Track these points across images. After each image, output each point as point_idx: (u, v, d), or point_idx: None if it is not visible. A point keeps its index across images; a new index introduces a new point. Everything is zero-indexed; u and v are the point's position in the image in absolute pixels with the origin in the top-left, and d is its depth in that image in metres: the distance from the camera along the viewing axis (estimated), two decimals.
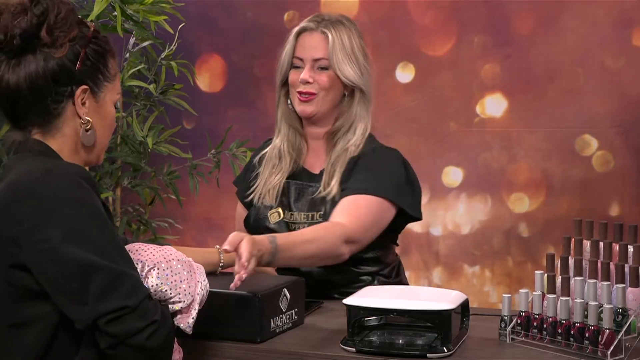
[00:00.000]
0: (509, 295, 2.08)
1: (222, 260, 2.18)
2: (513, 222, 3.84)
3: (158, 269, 1.82)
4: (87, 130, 1.84)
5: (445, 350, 1.94)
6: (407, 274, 2.77)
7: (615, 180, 3.71)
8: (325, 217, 2.49)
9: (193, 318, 1.85)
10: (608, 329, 1.89)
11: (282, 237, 2.22)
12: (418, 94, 3.93)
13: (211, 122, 4.07)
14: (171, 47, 3.61)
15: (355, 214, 2.41)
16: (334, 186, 2.53)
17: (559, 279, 2.04)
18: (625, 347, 1.90)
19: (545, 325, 1.98)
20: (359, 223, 2.40)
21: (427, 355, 1.94)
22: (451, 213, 3.90)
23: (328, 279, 2.52)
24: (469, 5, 3.85)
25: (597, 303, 1.92)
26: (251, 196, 2.64)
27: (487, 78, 3.84)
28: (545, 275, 2.04)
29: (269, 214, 2.60)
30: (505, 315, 2.06)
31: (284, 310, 2.13)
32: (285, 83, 2.62)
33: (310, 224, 2.50)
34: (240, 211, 2.71)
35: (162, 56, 3.63)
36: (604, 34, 3.70)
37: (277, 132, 2.66)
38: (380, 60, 3.89)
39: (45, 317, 1.74)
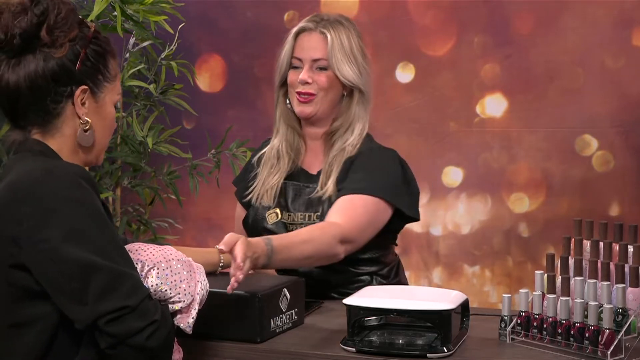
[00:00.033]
0: (509, 295, 2.08)
1: (222, 260, 2.18)
2: (513, 222, 3.84)
3: (158, 268, 1.82)
4: (85, 131, 1.83)
5: (445, 350, 1.95)
6: (407, 274, 2.77)
7: (615, 180, 3.71)
8: (323, 218, 2.49)
9: (193, 318, 1.85)
10: (608, 329, 1.89)
11: (278, 239, 2.21)
12: (418, 94, 3.93)
13: (211, 122, 4.07)
14: (171, 47, 3.61)
15: (351, 213, 2.41)
16: (331, 186, 2.53)
17: (559, 279, 2.04)
18: (625, 347, 1.90)
19: (545, 325, 1.98)
20: (354, 223, 2.39)
21: (427, 355, 1.94)
22: (451, 213, 3.90)
23: (327, 279, 2.52)
24: (469, 5, 3.85)
25: (597, 303, 1.92)
26: (249, 196, 2.64)
27: (487, 78, 3.84)
28: (545, 275, 2.04)
29: (266, 215, 2.60)
30: (505, 315, 2.06)
31: (284, 310, 2.13)
32: (284, 83, 2.61)
33: (308, 225, 2.49)
34: (239, 211, 2.72)
35: (162, 56, 3.63)
36: (604, 34, 3.70)
37: (276, 132, 2.66)
38: (380, 60, 3.90)
39: (45, 317, 1.74)
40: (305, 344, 2.06)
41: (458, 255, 3.90)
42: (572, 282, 2.00)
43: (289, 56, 2.59)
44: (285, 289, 2.14)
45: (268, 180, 2.62)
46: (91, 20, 3.01)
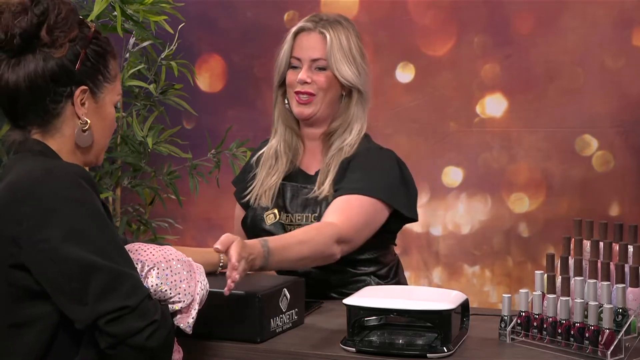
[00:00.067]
0: (509, 295, 2.08)
1: (222, 260, 2.17)
2: (513, 222, 3.84)
3: (158, 268, 1.82)
4: (83, 131, 1.83)
5: (445, 350, 1.95)
6: (407, 274, 2.77)
7: (615, 180, 3.72)
8: (320, 218, 2.49)
9: (193, 318, 1.85)
10: (608, 329, 1.89)
11: (274, 240, 2.20)
12: (418, 94, 3.93)
13: (211, 122, 4.07)
14: (171, 47, 3.61)
15: (347, 214, 2.40)
16: (327, 187, 2.53)
17: (559, 279, 2.04)
18: (625, 347, 1.90)
19: (545, 325, 1.98)
20: (350, 223, 2.39)
21: (427, 355, 1.94)
22: (451, 213, 3.90)
23: (325, 280, 2.52)
24: (469, 5, 3.85)
25: (597, 303, 1.92)
26: (248, 197, 2.64)
27: (487, 78, 3.84)
28: (545, 275, 2.04)
29: (265, 216, 2.59)
30: (505, 315, 2.06)
31: (284, 310, 2.13)
32: (282, 83, 2.61)
33: (305, 225, 2.49)
34: (239, 212, 2.71)
35: (162, 56, 3.63)
36: (604, 34, 3.70)
37: (274, 132, 2.65)
38: (380, 60, 3.90)
39: (45, 317, 1.74)
40: (305, 344, 2.06)
41: (458, 255, 3.90)
42: (572, 282, 2.00)
43: (287, 56, 2.58)
44: (285, 289, 2.14)
45: (266, 181, 2.62)
46: (91, 20, 3.02)
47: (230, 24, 4.14)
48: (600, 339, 1.89)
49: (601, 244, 2.12)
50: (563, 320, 1.96)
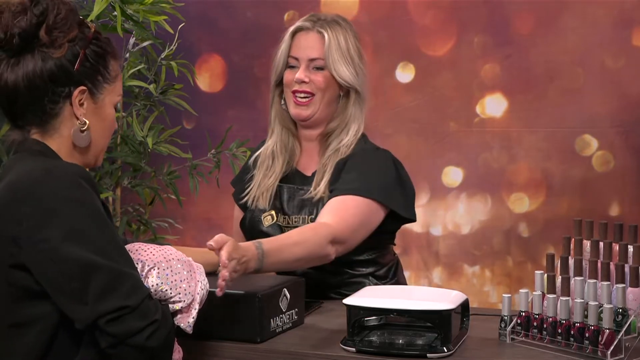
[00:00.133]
0: (509, 295, 2.08)
1: None
2: (513, 222, 3.84)
3: (158, 268, 1.82)
4: (81, 131, 1.83)
5: (445, 350, 1.95)
6: (407, 274, 2.77)
7: (615, 180, 3.72)
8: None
9: (193, 317, 1.85)
10: (608, 329, 1.89)
11: (269, 242, 2.18)
12: (418, 94, 3.93)
13: (211, 122, 4.07)
14: (171, 47, 3.61)
15: (342, 214, 2.39)
16: (322, 188, 2.52)
17: (559, 279, 2.04)
18: (625, 347, 1.90)
19: (545, 325, 1.98)
20: (345, 224, 2.37)
21: (427, 355, 1.94)
22: (451, 213, 3.90)
23: (324, 281, 2.51)
24: (469, 5, 3.85)
25: (597, 303, 1.92)
26: (245, 199, 2.64)
27: (487, 78, 3.84)
28: (545, 275, 2.04)
29: (262, 217, 2.59)
30: (505, 315, 2.06)
31: (284, 310, 2.13)
32: (280, 83, 2.60)
33: None
34: (237, 213, 2.71)
35: (162, 56, 3.63)
36: (604, 34, 3.70)
37: (270, 132, 2.64)
38: (380, 60, 3.90)
39: (45, 317, 1.74)
40: (305, 344, 2.06)
41: (458, 255, 3.90)
42: (572, 282, 2.00)
43: (285, 55, 2.57)
44: (285, 289, 2.14)
45: (263, 183, 2.61)
46: (91, 21, 3.02)
47: (230, 24, 4.14)
48: (600, 339, 1.89)
49: (601, 244, 2.12)
50: (563, 320, 1.96)
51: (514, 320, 2.04)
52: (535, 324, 2.00)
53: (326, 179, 2.52)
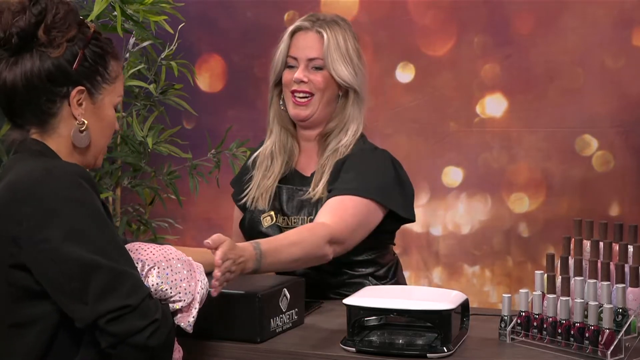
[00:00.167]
0: (509, 295, 2.08)
1: None
2: (513, 222, 3.84)
3: (158, 268, 1.82)
4: (80, 132, 1.83)
5: (445, 350, 1.95)
6: (407, 274, 2.76)
7: (615, 180, 3.71)
8: None
9: (193, 317, 1.85)
10: (608, 329, 1.89)
11: (266, 243, 2.17)
12: (418, 94, 3.93)
13: (211, 122, 4.07)
14: (171, 47, 3.61)
15: (340, 214, 2.38)
16: (321, 188, 2.51)
17: (559, 279, 2.04)
18: (625, 347, 1.90)
19: (545, 325, 1.98)
20: (344, 224, 2.36)
21: (427, 355, 1.94)
22: (451, 213, 3.90)
23: (323, 282, 2.51)
24: (469, 5, 3.85)
25: (597, 303, 1.92)
26: (245, 199, 2.63)
27: (487, 78, 3.84)
28: (545, 275, 2.04)
29: (261, 218, 2.59)
30: (505, 315, 2.06)
31: (284, 310, 2.13)
32: (278, 83, 2.59)
33: None
34: (237, 213, 2.71)
35: (162, 56, 3.63)
36: (604, 34, 3.70)
37: (269, 133, 2.64)
38: (380, 60, 3.90)
39: (46, 317, 1.74)
40: (305, 344, 2.06)
41: (458, 255, 3.90)
42: (572, 282, 2.00)
43: (284, 55, 2.57)
44: (285, 289, 2.14)
45: (262, 183, 2.61)
46: (91, 21, 3.01)
47: (230, 24, 4.14)
48: (600, 339, 1.89)
49: (601, 244, 2.12)
50: (563, 320, 1.96)
51: (514, 320, 2.04)
52: (535, 324, 2.00)
53: (325, 179, 2.52)
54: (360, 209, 2.42)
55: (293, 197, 2.57)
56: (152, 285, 1.81)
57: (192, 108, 3.71)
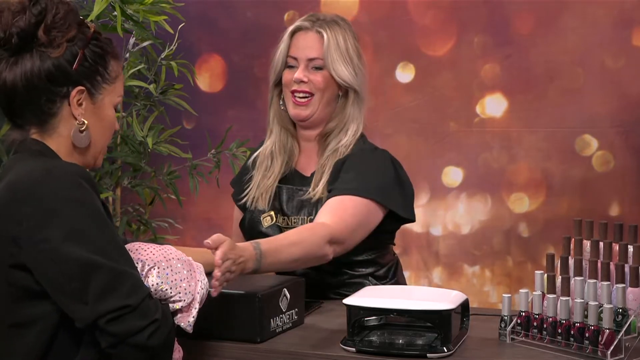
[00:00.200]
0: (509, 295, 2.08)
1: None
2: (513, 222, 3.84)
3: (158, 268, 1.82)
4: (80, 132, 1.83)
5: (445, 350, 1.95)
6: (407, 274, 2.76)
7: (615, 180, 3.71)
8: None
9: (193, 317, 1.85)
10: (608, 329, 1.89)
11: (266, 243, 2.17)
12: (418, 94, 3.92)
13: (211, 122, 4.07)
14: (171, 47, 3.61)
15: (340, 214, 2.38)
16: (321, 188, 2.51)
17: (559, 279, 2.04)
18: (625, 347, 1.90)
19: (545, 325, 1.98)
20: (344, 224, 2.36)
21: (427, 355, 1.94)
22: (451, 213, 3.90)
23: (323, 282, 2.51)
24: (469, 5, 3.85)
25: (597, 303, 1.92)
26: (245, 199, 2.63)
27: (487, 78, 3.84)
28: (545, 275, 2.04)
29: (261, 218, 2.59)
30: (505, 315, 2.06)
31: (284, 310, 2.13)
32: (278, 83, 2.59)
33: None
34: (237, 214, 2.71)
35: (162, 56, 3.63)
36: (604, 34, 3.70)
37: (269, 133, 2.64)
38: (380, 60, 3.90)
39: (46, 317, 1.74)
40: (305, 344, 2.06)
41: (458, 255, 3.90)
42: (572, 282, 2.00)
43: (284, 55, 2.57)
44: (285, 289, 2.14)
45: (262, 183, 2.61)
46: (91, 21, 3.01)
47: (230, 24, 4.14)
48: (600, 339, 1.89)
49: (601, 244, 2.12)
50: (563, 320, 1.96)
51: (514, 320, 2.04)
52: (535, 324, 2.00)
53: (325, 180, 2.52)
54: (360, 209, 2.42)
55: (293, 197, 2.57)
56: (152, 285, 1.81)
57: (192, 108, 3.71)
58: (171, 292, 1.82)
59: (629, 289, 1.98)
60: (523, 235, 3.83)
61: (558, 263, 2.09)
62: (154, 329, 1.71)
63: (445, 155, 3.90)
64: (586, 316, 1.92)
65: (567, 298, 1.98)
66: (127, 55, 3.55)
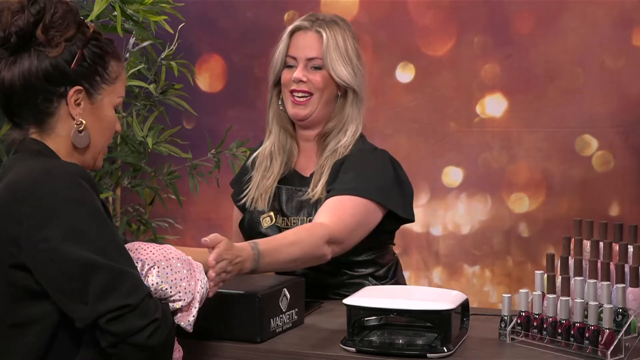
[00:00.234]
0: (509, 295, 2.08)
1: None
2: (513, 222, 3.84)
3: (158, 267, 1.82)
4: (80, 132, 1.83)
5: (445, 350, 1.95)
6: (407, 274, 2.76)
7: (615, 180, 3.71)
8: None
9: (193, 316, 1.85)
10: (608, 329, 1.89)
11: (265, 243, 2.16)
12: (418, 94, 3.92)
13: (211, 122, 4.07)
14: (171, 47, 3.61)
15: (339, 214, 2.37)
16: (320, 189, 2.51)
17: (559, 279, 2.04)
18: (625, 347, 1.90)
19: (545, 325, 1.98)
20: (342, 224, 2.35)
21: (427, 355, 1.94)
22: (451, 213, 3.90)
23: (322, 282, 2.51)
24: (469, 5, 3.85)
25: (597, 303, 1.92)
26: (244, 200, 2.63)
27: (487, 78, 3.84)
28: (545, 275, 2.04)
29: (261, 219, 2.58)
30: (505, 315, 2.06)
31: (284, 310, 2.13)
32: (277, 83, 2.59)
33: None
34: (237, 214, 2.71)
35: (162, 56, 3.63)
36: (604, 34, 3.70)
37: (268, 133, 2.64)
38: (380, 60, 3.90)
39: (46, 317, 1.74)
40: (305, 344, 2.06)
41: (458, 255, 3.90)
42: (572, 282, 2.00)
43: (283, 55, 2.56)
44: (285, 289, 2.14)
45: (262, 184, 2.60)
46: (91, 21, 3.01)
47: (230, 24, 4.14)
48: (600, 339, 1.89)
49: (601, 244, 2.12)
50: (563, 320, 1.96)
51: (514, 320, 2.04)
52: (535, 324, 2.00)
53: (324, 180, 2.51)
54: (359, 209, 2.42)
55: (292, 198, 2.57)
56: (152, 284, 1.81)
57: (192, 108, 3.71)
58: (171, 292, 1.82)
59: (629, 289, 1.98)
60: (523, 235, 3.83)
61: (558, 263, 2.09)
62: (154, 329, 1.71)
63: (445, 155, 3.90)
64: (586, 316, 1.92)
65: (567, 298, 1.98)
66: (127, 55, 3.55)
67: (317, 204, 2.49)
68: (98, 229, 1.72)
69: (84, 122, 1.83)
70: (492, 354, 2.00)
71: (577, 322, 1.93)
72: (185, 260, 1.87)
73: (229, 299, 2.03)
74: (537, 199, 3.81)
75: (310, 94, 2.53)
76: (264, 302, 2.05)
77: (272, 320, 2.08)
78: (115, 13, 3.27)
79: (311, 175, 2.57)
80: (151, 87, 3.59)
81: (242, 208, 2.65)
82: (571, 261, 2.07)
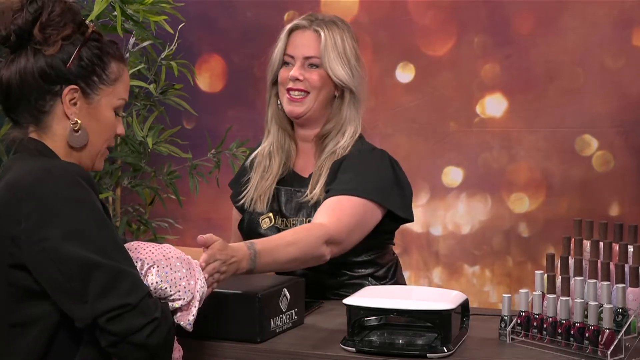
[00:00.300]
0: (509, 295, 2.08)
1: None
2: (513, 222, 3.84)
3: (157, 266, 1.82)
4: (75, 132, 1.83)
5: (445, 350, 1.95)
6: (407, 274, 2.76)
7: (615, 180, 3.72)
8: None
9: (193, 315, 1.85)
10: (608, 329, 1.89)
11: (262, 242, 2.15)
12: (418, 94, 3.92)
13: (211, 122, 4.07)
14: (171, 47, 3.61)
15: (338, 214, 2.36)
16: (318, 190, 2.50)
17: (559, 279, 2.04)
18: (625, 347, 1.90)
19: (545, 325, 1.98)
20: (341, 224, 2.35)
21: (427, 355, 1.94)
22: (451, 213, 3.90)
23: (322, 283, 2.50)
24: (469, 5, 3.85)
25: (597, 303, 1.92)
26: (243, 201, 2.63)
27: (487, 78, 3.84)
28: (545, 275, 2.04)
29: (260, 220, 2.58)
30: (505, 315, 2.06)
31: (284, 310, 2.13)
32: (276, 82, 2.58)
33: None
34: (236, 215, 2.70)
35: (162, 56, 3.63)
36: (604, 34, 3.70)
37: (267, 133, 2.63)
38: (380, 60, 3.90)
39: (46, 317, 1.74)
40: (305, 344, 2.06)
41: (458, 255, 3.90)
42: (572, 282, 2.00)
43: (281, 53, 2.56)
44: (285, 289, 2.14)
45: (260, 185, 2.60)
46: (91, 21, 3.01)
47: (230, 24, 4.14)
48: (600, 339, 1.89)
49: (601, 244, 2.12)
50: (563, 320, 1.95)
51: (514, 320, 2.04)
52: (535, 324, 2.00)
53: (322, 181, 2.51)
54: (358, 209, 2.41)
55: (291, 199, 2.57)
56: (152, 283, 1.81)
57: (192, 108, 3.71)
58: (171, 291, 1.82)
59: (629, 289, 1.98)
60: (523, 235, 3.83)
61: (558, 263, 2.09)
62: (154, 328, 1.71)
63: (445, 155, 3.90)
64: (586, 316, 1.92)
65: (567, 298, 1.98)
66: (127, 55, 3.55)
67: (316, 205, 2.49)
68: (98, 228, 1.72)
69: (79, 121, 1.83)
70: (492, 354, 2.00)
71: (577, 322, 1.93)
72: (184, 259, 1.87)
73: (229, 299, 2.03)
74: (537, 199, 3.81)
75: (307, 92, 2.53)
76: (264, 302, 2.05)
77: (272, 320, 2.08)
78: (115, 13, 3.27)
79: (310, 176, 2.57)
80: (151, 87, 3.59)
81: (241, 209, 2.65)
82: (571, 261, 2.07)
